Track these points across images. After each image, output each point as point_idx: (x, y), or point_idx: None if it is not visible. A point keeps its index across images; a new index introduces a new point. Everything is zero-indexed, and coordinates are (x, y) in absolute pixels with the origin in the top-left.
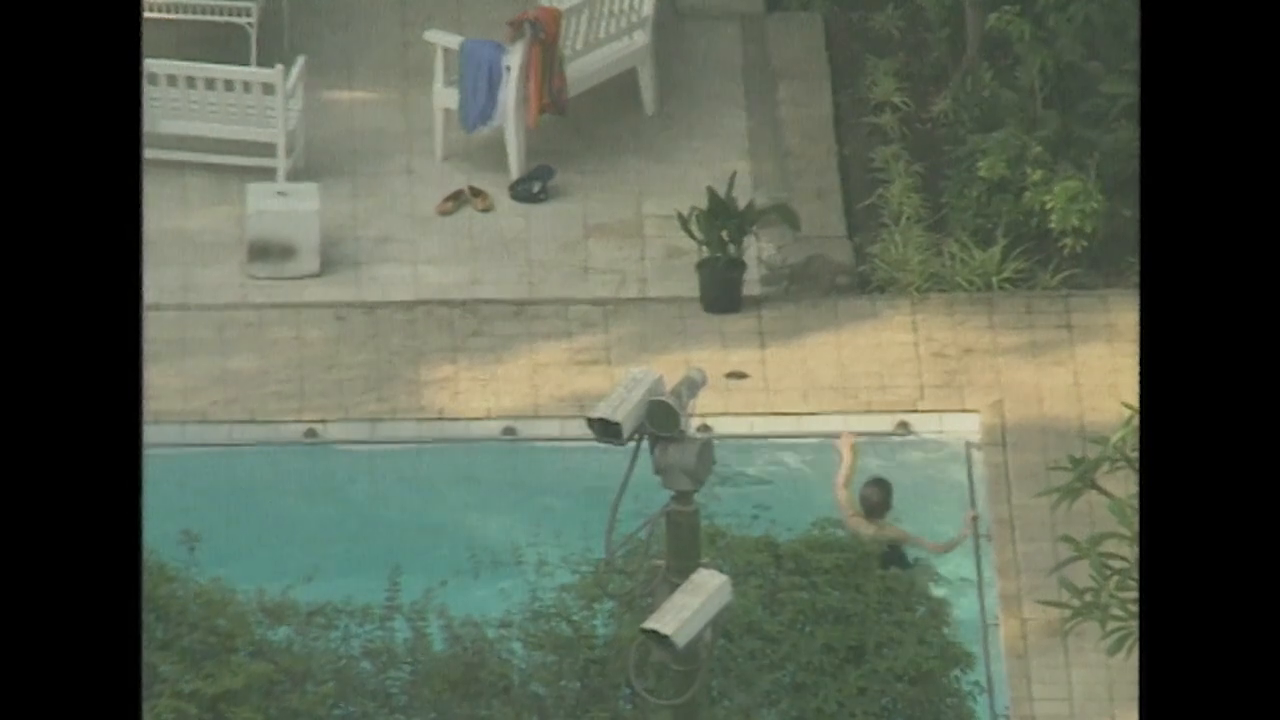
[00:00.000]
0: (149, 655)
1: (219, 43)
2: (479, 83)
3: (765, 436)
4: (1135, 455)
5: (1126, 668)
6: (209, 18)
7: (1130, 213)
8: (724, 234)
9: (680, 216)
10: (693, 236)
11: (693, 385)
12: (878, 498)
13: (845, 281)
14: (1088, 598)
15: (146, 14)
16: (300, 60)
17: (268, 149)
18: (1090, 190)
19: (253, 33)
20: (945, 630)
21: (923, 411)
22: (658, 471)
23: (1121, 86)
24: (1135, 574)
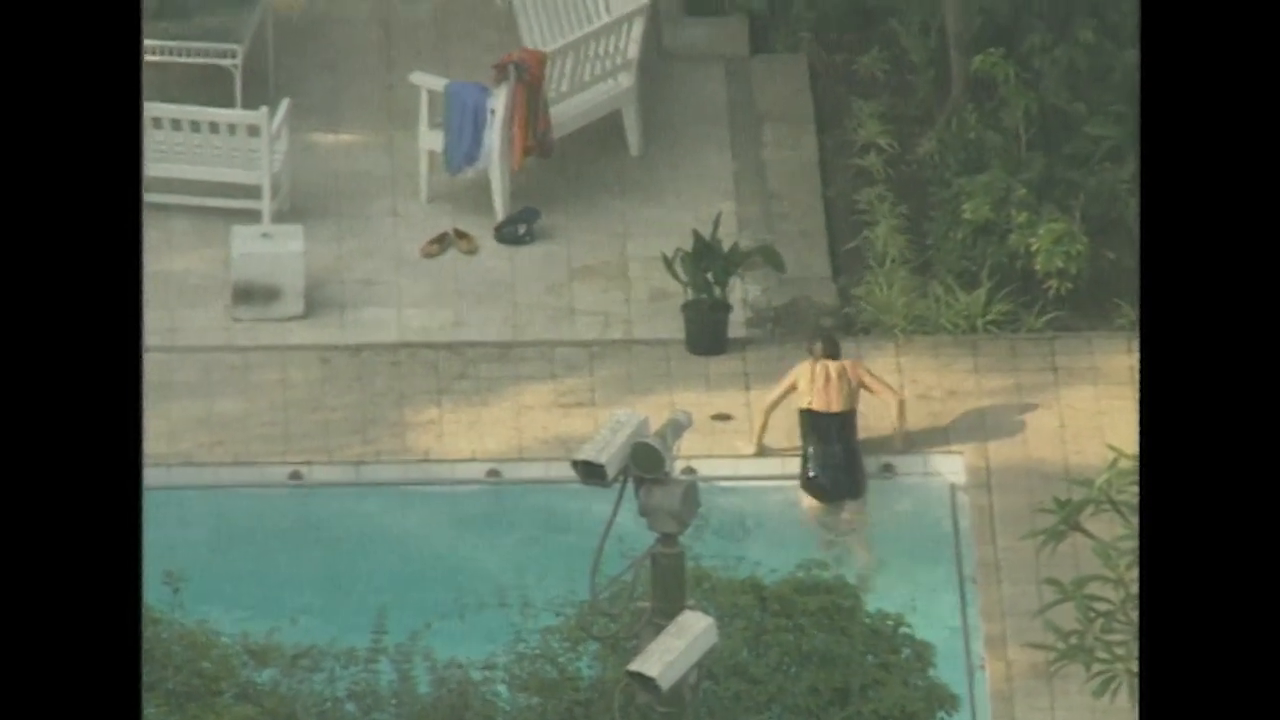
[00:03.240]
0: None
1: (203, 85)
2: (464, 125)
3: (750, 478)
4: (1120, 498)
5: (1112, 710)
6: (193, 60)
7: (1114, 255)
8: (709, 276)
9: (665, 258)
10: (678, 278)
11: (677, 427)
12: (827, 337)
13: (830, 323)
14: (1073, 640)
15: None
16: (285, 103)
17: (252, 191)
18: (1075, 233)
19: (237, 75)
20: (930, 672)
21: (907, 453)
22: (642, 513)
23: (1106, 129)
24: (1120, 616)
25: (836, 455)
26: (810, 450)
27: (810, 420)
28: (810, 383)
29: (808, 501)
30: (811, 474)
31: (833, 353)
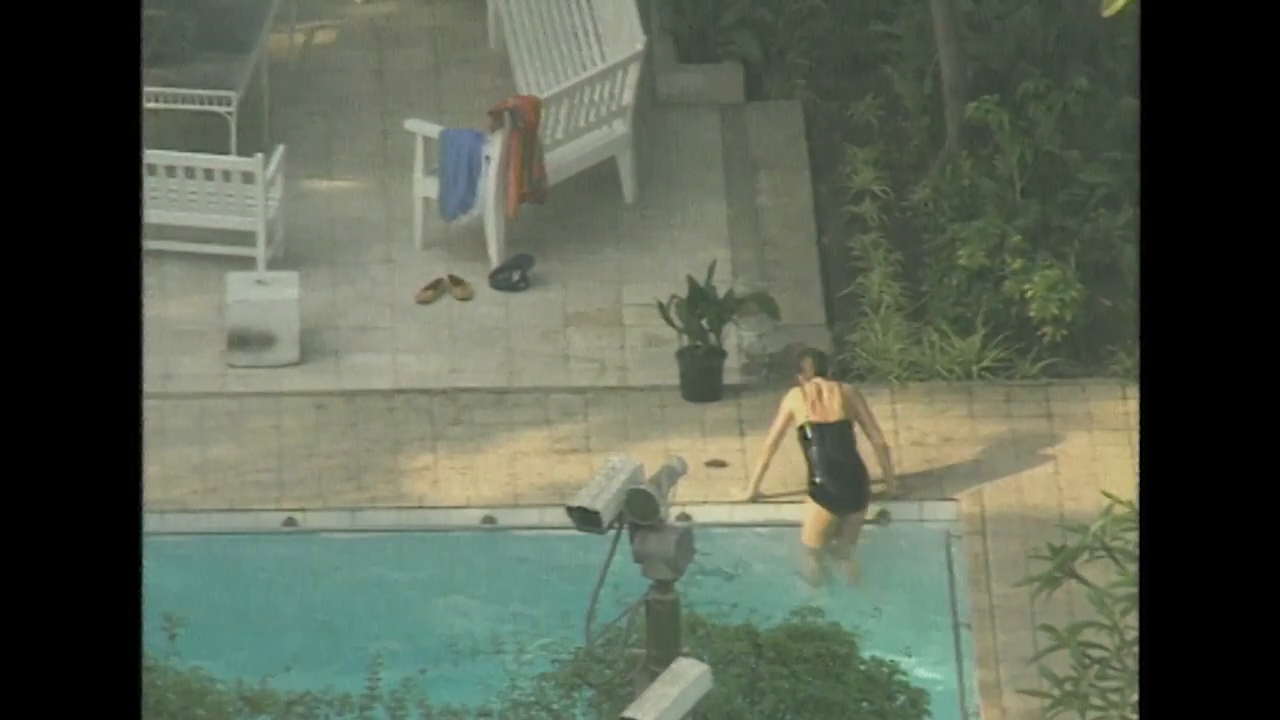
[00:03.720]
0: None
1: (198, 132)
2: (459, 172)
3: (745, 525)
4: (1115, 544)
5: None
6: (188, 107)
7: (1109, 301)
8: (704, 322)
9: (660, 305)
10: (672, 325)
11: (672, 473)
12: (816, 353)
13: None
14: (1068, 687)
15: None
16: (280, 149)
17: (247, 238)
18: (1070, 279)
19: (232, 121)
20: (925, 719)
21: (902, 500)
22: (637, 560)
23: (1101, 175)
24: (1116, 663)
25: (840, 461)
26: (816, 456)
27: (813, 432)
28: (804, 403)
29: (813, 514)
30: (818, 479)
31: (822, 369)
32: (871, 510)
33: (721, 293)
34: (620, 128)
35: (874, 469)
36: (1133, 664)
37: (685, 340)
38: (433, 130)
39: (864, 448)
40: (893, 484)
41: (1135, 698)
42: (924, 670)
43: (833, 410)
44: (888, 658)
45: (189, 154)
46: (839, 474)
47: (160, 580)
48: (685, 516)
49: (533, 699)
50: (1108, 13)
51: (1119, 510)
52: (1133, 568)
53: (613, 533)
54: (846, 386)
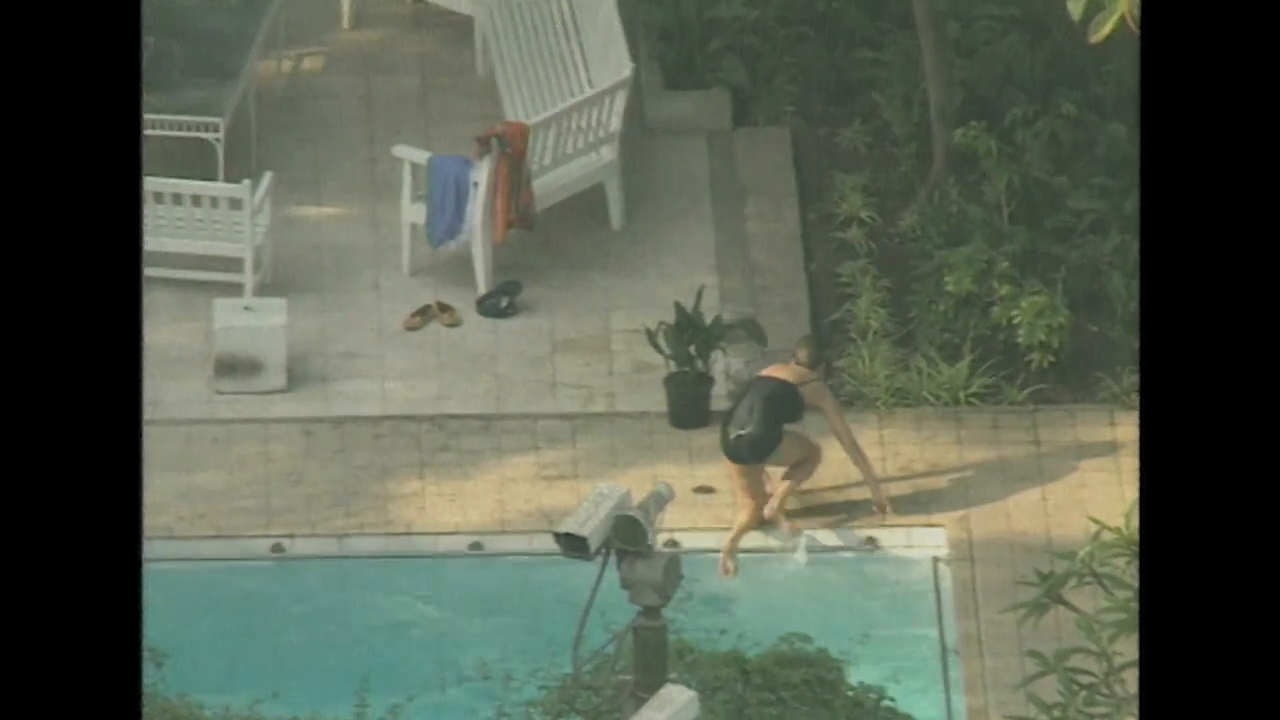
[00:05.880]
0: None
1: (185, 158)
2: (446, 198)
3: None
4: (1103, 570)
5: None
6: (175, 133)
7: (1097, 328)
8: (691, 349)
9: (648, 331)
10: (660, 351)
11: (660, 500)
12: (813, 341)
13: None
14: (1055, 713)
15: None
16: (267, 175)
17: (235, 264)
18: (1057, 305)
19: (219, 148)
20: None
21: (890, 526)
22: (625, 586)
23: (1088, 201)
24: (1103, 689)
25: (744, 412)
26: (733, 410)
27: (752, 382)
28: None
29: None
30: (732, 436)
31: (815, 360)
32: (859, 537)
33: (709, 319)
34: (608, 154)
35: (864, 493)
36: (1121, 690)
37: (673, 367)
38: (420, 156)
39: (849, 461)
40: (881, 498)
41: None
42: (911, 696)
43: (787, 374)
44: (875, 684)
45: (176, 180)
46: (739, 423)
47: (147, 607)
48: (673, 543)
49: None
50: (1095, 38)
51: (1107, 536)
52: (1121, 594)
53: (600, 559)
54: (824, 388)
